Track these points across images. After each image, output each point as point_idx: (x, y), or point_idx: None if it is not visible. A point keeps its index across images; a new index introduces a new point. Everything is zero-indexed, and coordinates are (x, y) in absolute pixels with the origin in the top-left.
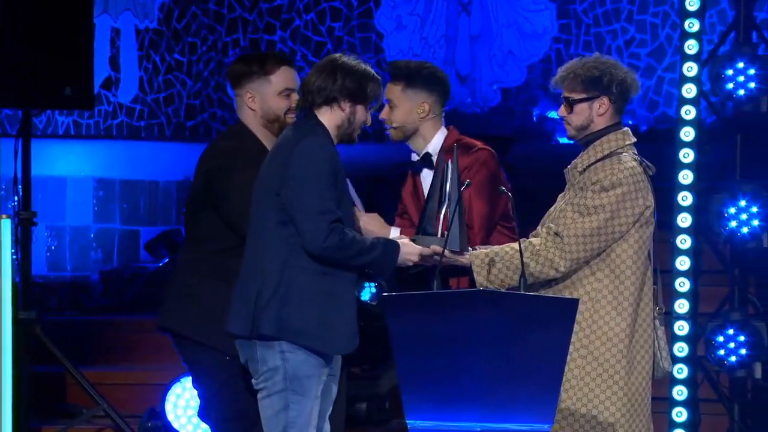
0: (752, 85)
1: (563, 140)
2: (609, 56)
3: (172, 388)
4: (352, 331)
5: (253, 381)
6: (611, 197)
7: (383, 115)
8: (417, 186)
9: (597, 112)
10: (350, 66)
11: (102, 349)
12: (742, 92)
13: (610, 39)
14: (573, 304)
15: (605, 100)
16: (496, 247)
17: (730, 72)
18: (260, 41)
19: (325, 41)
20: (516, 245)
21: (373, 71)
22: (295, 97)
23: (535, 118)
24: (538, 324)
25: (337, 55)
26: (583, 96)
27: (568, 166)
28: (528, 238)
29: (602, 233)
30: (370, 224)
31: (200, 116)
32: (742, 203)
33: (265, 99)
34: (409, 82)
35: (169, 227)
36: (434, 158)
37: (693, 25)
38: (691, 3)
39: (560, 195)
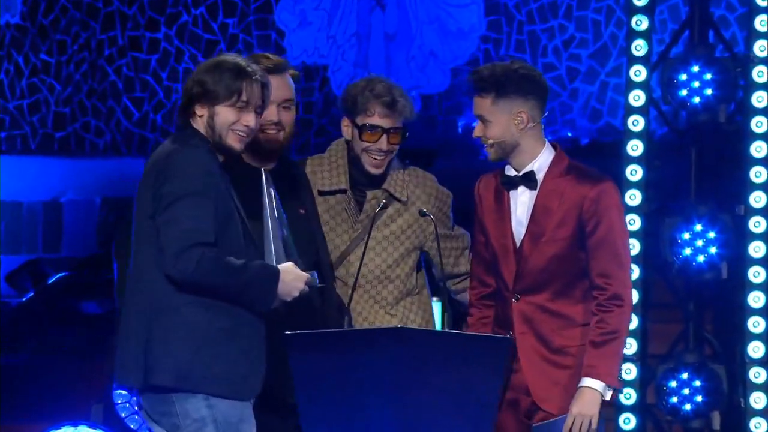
0: (709, 91)
1: None
2: None
3: None
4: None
5: None
6: None
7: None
8: (505, 203)
9: None
10: (205, 63)
11: None
12: (697, 100)
13: (546, 38)
14: (505, 343)
15: None
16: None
17: (683, 77)
18: (141, 39)
19: (218, 39)
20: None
21: (239, 64)
22: (269, 112)
23: (459, 129)
24: (462, 366)
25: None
26: None
27: None
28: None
29: None
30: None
31: (71, 126)
32: (698, 228)
33: None
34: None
35: (34, 256)
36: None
37: (641, 23)
38: None
39: None
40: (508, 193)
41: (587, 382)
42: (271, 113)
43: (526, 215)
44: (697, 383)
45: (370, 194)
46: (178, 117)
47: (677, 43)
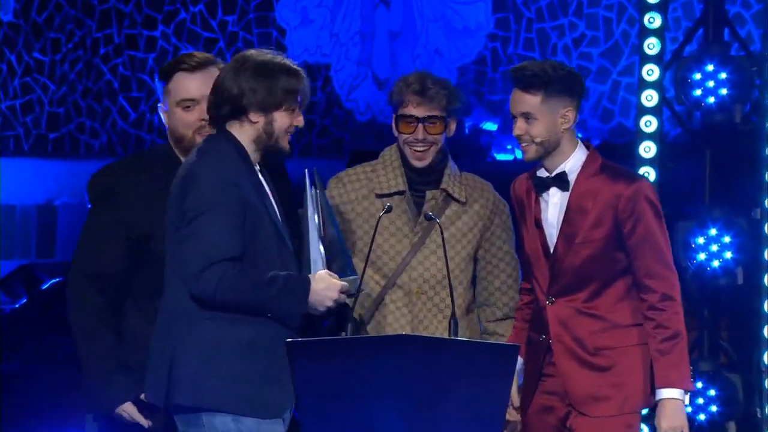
0: (723, 91)
1: (500, 156)
2: None
3: None
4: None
5: None
6: None
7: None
8: (533, 205)
9: None
10: (256, 65)
11: None
12: (711, 100)
13: (556, 36)
14: (513, 351)
15: None
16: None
17: (697, 76)
18: (138, 37)
19: (217, 37)
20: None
21: (286, 64)
22: (200, 110)
23: (467, 130)
24: (469, 374)
25: (251, 51)
26: None
27: None
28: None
29: None
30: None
31: (65, 127)
32: (713, 232)
33: (170, 113)
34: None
35: (28, 260)
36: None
37: (654, 20)
38: None
39: None
40: (538, 195)
41: (666, 393)
42: (202, 112)
43: (558, 217)
44: (712, 392)
45: (429, 194)
46: (214, 123)
47: (691, 41)
